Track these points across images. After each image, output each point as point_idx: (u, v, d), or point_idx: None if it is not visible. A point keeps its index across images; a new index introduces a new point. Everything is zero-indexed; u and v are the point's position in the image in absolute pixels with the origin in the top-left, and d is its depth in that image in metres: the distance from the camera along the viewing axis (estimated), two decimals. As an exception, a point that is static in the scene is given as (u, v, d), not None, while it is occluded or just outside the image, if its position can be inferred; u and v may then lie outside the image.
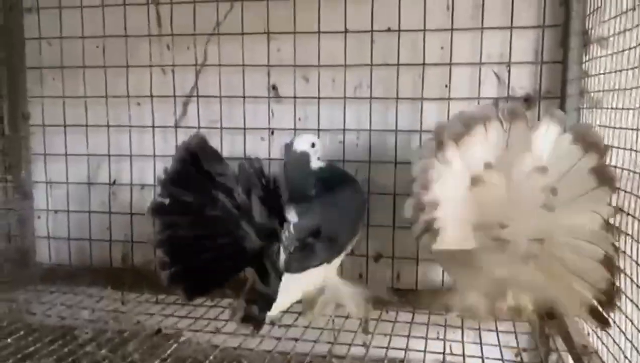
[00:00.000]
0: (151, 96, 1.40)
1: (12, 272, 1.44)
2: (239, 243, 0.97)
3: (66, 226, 1.51)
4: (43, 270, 1.49)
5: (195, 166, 1.01)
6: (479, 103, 1.25)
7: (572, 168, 0.89)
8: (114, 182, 1.48)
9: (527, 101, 1.25)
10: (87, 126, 1.46)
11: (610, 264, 0.84)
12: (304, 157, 1.12)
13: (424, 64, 1.26)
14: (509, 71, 1.24)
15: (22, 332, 1.09)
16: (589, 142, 0.88)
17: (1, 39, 1.45)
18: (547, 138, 0.92)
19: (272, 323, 1.11)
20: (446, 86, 1.27)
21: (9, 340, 1.05)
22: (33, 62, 1.48)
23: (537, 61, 1.23)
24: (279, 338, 1.04)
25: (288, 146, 1.12)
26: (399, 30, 1.26)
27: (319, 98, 1.32)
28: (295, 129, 1.35)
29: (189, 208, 1.01)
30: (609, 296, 0.85)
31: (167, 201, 1.03)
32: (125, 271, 1.46)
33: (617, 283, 0.85)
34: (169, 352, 1.06)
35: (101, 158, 1.48)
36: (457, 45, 1.24)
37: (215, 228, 1.00)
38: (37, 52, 1.47)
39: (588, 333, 1.06)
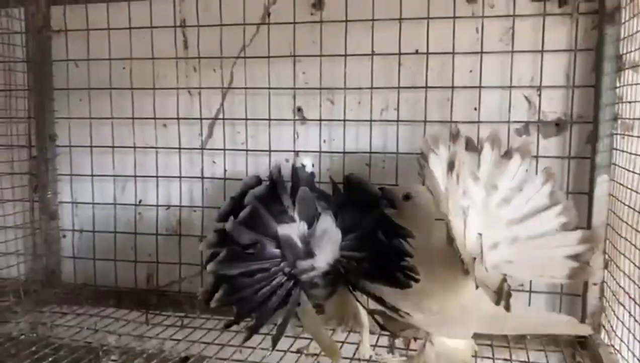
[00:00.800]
0: (177, 118, 1.41)
1: (38, 292, 1.45)
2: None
3: (91, 246, 1.51)
4: (68, 289, 1.49)
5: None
6: (509, 127, 1.24)
7: None
8: (140, 202, 1.48)
9: (558, 125, 1.22)
10: (113, 147, 1.46)
11: None
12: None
13: (452, 87, 1.24)
14: (540, 95, 1.22)
15: (44, 351, 1.09)
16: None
17: (29, 61, 1.47)
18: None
19: (300, 352, 1.10)
20: (475, 109, 1.25)
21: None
22: (60, 84, 1.49)
23: (569, 85, 1.20)
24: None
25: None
26: (427, 53, 1.25)
27: (344, 120, 1.31)
28: (320, 152, 1.34)
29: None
30: None
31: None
32: (150, 292, 1.46)
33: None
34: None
35: (127, 179, 1.48)
36: (486, 68, 1.23)
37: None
38: (65, 73, 1.48)
39: (624, 366, 1.03)
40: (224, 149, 1.39)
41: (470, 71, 1.25)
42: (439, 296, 0.96)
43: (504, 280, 0.83)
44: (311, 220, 0.94)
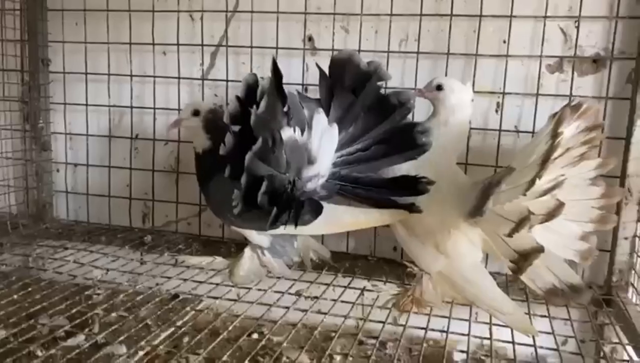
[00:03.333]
0: (177, 45, 1.30)
1: (27, 226, 1.37)
2: None
3: (85, 180, 1.43)
4: (60, 225, 1.41)
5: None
6: (541, 62, 1.11)
7: None
8: (137, 136, 1.39)
9: (597, 62, 1.10)
10: (109, 74, 1.36)
11: None
12: None
13: (480, 15, 1.12)
14: (578, 27, 1.09)
15: (32, 288, 1.02)
16: None
17: (21, -22, 1.36)
18: None
19: (299, 294, 1.01)
20: (504, 41, 1.13)
21: (15, 296, 0.97)
22: (54, 4, 1.38)
23: (612, 15, 1.08)
24: (305, 311, 0.94)
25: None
26: (454, -23, 1.12)
27: (359, 51, 1.19)
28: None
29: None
30: None
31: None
32: (145, 231, 1.38)
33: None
34: (185, 319, 0.97)
35: (123, 110, 1.38)
36: (519, -6, 1.10)
37: None
38: (59, -7, 1.37)
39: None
40: (227, 80, 1.29)
41: (501, -2, 1.12)
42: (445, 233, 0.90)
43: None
44: (303, 125, 0.86)
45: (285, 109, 0.84)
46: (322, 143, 0.87)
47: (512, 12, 1.11)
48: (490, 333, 0.89)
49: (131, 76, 1.35)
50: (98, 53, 1.37)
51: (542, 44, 1.11)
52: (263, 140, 0.82)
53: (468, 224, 0.89)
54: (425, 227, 0.92)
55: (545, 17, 1.10)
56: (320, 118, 0.87)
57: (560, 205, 0.76)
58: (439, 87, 0.96)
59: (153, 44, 1.32)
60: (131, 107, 1.36)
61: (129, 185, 1.40)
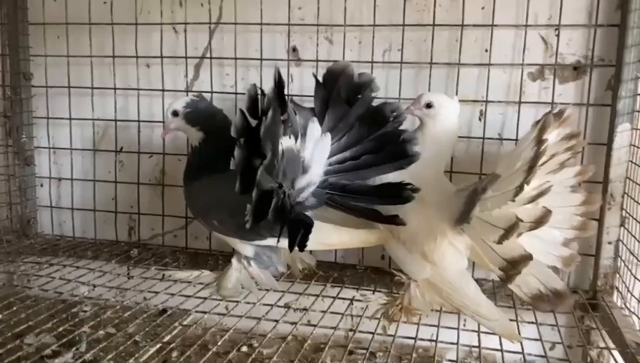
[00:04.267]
0: (161, 57, 1.30)
1: (12, 243, 1.35)
2: None
3: (70, 195, 1.42)
4: (44, 241, 1.40)
5: None
6: (522, 70, 1.13)
7: None
8: (121, 149, 1.38)
9: (577, 69, 1.12)
10: (92, 88, 1.35)
11: None
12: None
13: (462, 25, 1.13)
14: (558, 35, 1.11)
15: (17, 307, 1.01)
16: None
17: (2, -8, 1.35)
18: None
19: (288, 306, 1.01)
20: (486, 50, 1.14)
21: (0, 315, 0.96)
22: (36, 18, 1.37)
23: (591, 23, 1.09)
24: (294, 323, 0.94)
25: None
26: (435, -13, 1.14)
27: (343, 62, 1.20)
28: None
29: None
30: None
31: None
32: (131, 244, 1.37)
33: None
34: (174, 333, 0.97)
35: (108, 124, 1.38)
36: (500, 4, 1.12)
37: None
38: (40, 6, 1.36)
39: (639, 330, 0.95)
40: (212, 92, 1.28)
41: (482, 8, 1.14)
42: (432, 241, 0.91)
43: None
44: (297, 133, 0.87)
45: (283, 117, 0.84)
46: (315, 152, 0.88)
47: (493, 21, 1.12)
48: (479, 341, 0.90)
49: (115, 89, 1.34)
50: (81, 66, 1.36)
51: (524, 53, 1.12)
52: (272, 153, 0.82)
53: (455, 231, 0.90)
54: (412, 235, 0.93)
55: (526, 25, 1.11)
56: (314, 127, 0.88)
57: (547, 212, 0.78)
58: (429, 106, 0.97)
59: (136, 57, 1.31)
60: (115, 120, 1.36)
61: (114, 198, 1.39)
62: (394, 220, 0.87)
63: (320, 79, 0.89)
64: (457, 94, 1.15)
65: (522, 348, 0.87)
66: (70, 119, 1.39)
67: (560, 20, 1.10)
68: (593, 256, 1.11)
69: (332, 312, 0.98)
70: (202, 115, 1.04)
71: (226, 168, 0.82)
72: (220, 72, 1.29)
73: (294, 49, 1.25)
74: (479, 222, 0.83)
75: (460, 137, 1.16)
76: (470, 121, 1.18)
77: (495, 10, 1.12)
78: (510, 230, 0.78)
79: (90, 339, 1.01)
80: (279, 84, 0.85)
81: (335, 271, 1.20)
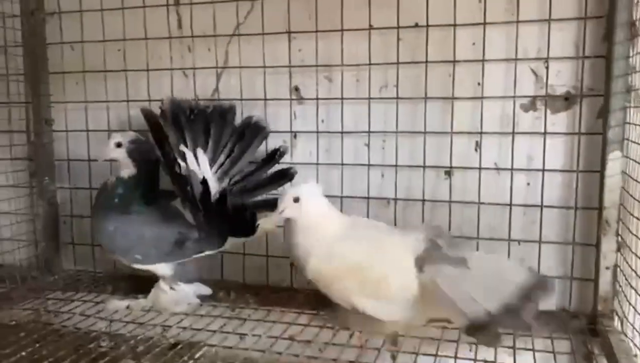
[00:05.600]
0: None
1: (36, 279, 1.43)
2: None
3: (90, 232, 1.49)
4: (67, 276, 1.48)
5: None
6: (514, 102, 1.17)
7: None
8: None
9: (568, 99, 1.15)
10: (109, 131, 1.43)
11: None
12: None
13: (454, 61, 1.18)
14: (547, 67, 1.15)
15: (42, 342, 1.08)
16: None
17: (23, 44, 1.45)
18: None
19: (292, 338, 1.06)
20: (479, 84, 1.18)
21: (24, 352, 1.03)
22: (55, 68, 1.46)
23: (578, 55, 1.13)
24: (297, 355, 0.99)
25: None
26: (427, 26, 1.18)
27: (342, 99, 1.26)
28: (318, 132, 1.29)
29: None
30: None
31: None
32: (147, 278, 1.43)
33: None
34: None
35: (124, 163, 1.45)
36: (490, 40, 1.16)
37: None
38: (59, 56, 1.45)
39: (635, 355, 0.96)
40: (220, 131, 1.35)
41: (473, 44, 1.18)
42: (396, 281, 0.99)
43: None
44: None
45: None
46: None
47: (484, 56, 1.17)
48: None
49: (131, 131, 1.42)
50: (98, 111, 1.44)
51: (515, 85, 1.16)
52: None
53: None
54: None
55: (516, 59, 1.15)
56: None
57: None
58: (296, 200, 1.03)
59: (149, 101, 1.39)
60: (131, 160, 1.43)
61: (132, 234, 1.46)
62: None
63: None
64: (452, 126, 1.20)
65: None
66: (89, 161, 1.46)
67: (548, 53, 1.13)
68: (592, 280, 1.14)
69: (334, 344, 1.02)
70: (141, 154, 1.22)
71: (148, 204, 1.20)
72: (228, 112, 1.36)
73: (296, 88, 1.31)
74: None
75: (457, 168, 1.21)
76: (467, 152, 1.22)
77: (485, 45, 1.16)
78: None
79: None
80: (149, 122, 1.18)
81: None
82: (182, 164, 1.15)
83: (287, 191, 1.07)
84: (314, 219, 1.04)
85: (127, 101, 1.41)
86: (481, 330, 0.90)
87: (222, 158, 1.24)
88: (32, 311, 1.29)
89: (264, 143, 1.30)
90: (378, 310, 1.01)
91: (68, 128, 1.48)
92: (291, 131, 1.32)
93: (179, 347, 1.09)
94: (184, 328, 1.12)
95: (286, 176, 1.24)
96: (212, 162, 1.23)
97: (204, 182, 1.14)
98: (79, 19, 1.42)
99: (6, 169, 1.52)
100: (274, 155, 1.25)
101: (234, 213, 1.15)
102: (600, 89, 1.11)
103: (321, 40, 1.25)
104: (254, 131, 1.27)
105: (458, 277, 0.94)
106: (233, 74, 1.34)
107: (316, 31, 1.25)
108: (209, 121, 1.23)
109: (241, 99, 1.33)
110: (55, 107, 1.48)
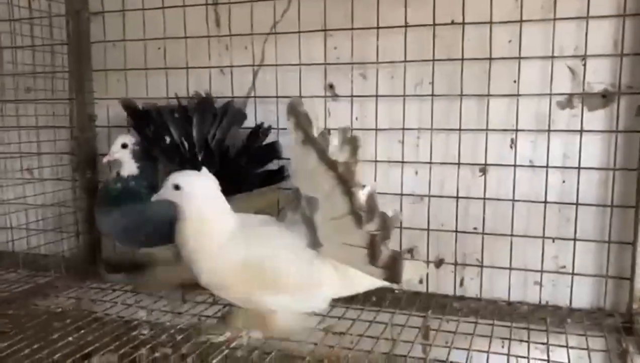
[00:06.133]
0: (210, 97, 1.40)
1: (79, 269, 1.49)
2: None
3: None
4: (108, 266, 1.53)
5: None
6: (551, 100, 1.17)
7: None
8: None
9: (605, 97, 1.14)
10: (149, 126, 1.48)
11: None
12: None
13: (490, 58, 1.18)
14: (585, 65, 1.14)
15: (85, 329, 1.12)
16: None
17: (68, 43, 1.50)
18: None
19: (327, 330, 1.08)
20: (515, 81, 1.18)
21: (70, 338, 1.08)
22: (98, 65, 1.52)
23: (617, 53, 1.12)
24: (332, 347, 1.01)
25: None
26: (464, 23, 1.19)
27: (377, 96, 1.27)
28: (352, 129, 1.30)
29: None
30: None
31: None
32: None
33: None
34: (223, 354, 1.05)
35: (163, 159, 1.50)
36: (526, 37, 1.16)
37: None
38: (102, 54, 1.50)
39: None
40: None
41: (510, 41, 1.18)
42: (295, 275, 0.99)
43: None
44: None
45: None
46: None
47: (520, 53, 1.16)
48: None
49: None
50: (139, 107, 1.49)
51: (551, 82, 1.16)
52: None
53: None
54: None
55: (553, 57, 1.15)
56: None
57: None
58: (177, 187, 0.99)
59: (188, 98, 1.42)
60: (170, 155, 1.47)
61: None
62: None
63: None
64: (487, 123, 1.20)
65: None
66: (130, 155, 1.51)
67: (586, 50, 1.13)
68: (629, 279, 1.13)
69: (367, 336, 1.04)
70: (144, 155, 1.32)
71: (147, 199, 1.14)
72: (264, 109, 1.39)
73: (331, 86, 1.33)
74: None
75: (492, 165, 1.22)
76: (501, 149, 1.22)
77: (521, 42, 1.16)
78: None
79: (148, 359, 1.11)
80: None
81: (374, 294, 1.26)
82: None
83: (170, 177, 1.01)
84: (201, 214, 0.98)
85: (167, 98, 1.45)
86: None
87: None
88: (76, 300, 1.35)
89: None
90: (280, 304, 1.00)
91: (110, 124, 1.53)
92: (325, 128, 1.33)
93: (218, 336, 1.12)
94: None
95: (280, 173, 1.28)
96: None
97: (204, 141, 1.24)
98: (121, 18, 1.46)
99: (51, 163, 1.59)
100: (257, 132, 1.29)
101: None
102: (639, 86, 1.10)
103: (357, 38, 1.27)
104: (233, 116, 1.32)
105: None
106: (269, 72, 1.37)
107: (352, 29, 1.26)
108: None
109: (276, 97, 1.36)
110: (98, 104, 1.53)
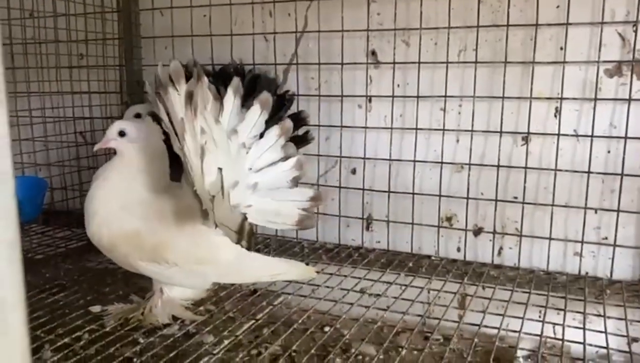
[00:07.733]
0: (253, 64, 1.42)
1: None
2: None
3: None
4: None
5: None
6: (598, 67, 1.14)
7: None
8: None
9: (657, 64, 1.11)
10: (194, 92, 1.51)
11: None
12: None
13: (536, 24, 1.16)
14: (636, 31, 1.10)
15: (131, 281, 1.19)
16: None
17: (118, 11, 1.55)
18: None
19: (362, 291, 1.11)
20: (561, 48, 1.16)
21: (120, 292, 1.14)
22: (147, 32, 1.56)
23: (671, 18, 1.08)
24: (367, 307, 1.04)
25: None
26: (510, -12, 1.17)
27: (419, 63, 1.27)
28: (393, 96, 1.31)
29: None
30: None
31: None
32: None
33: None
34: (264, 311, 1.09)
35: (207, 124, 1.54)
36: (575, 2, 1.12)
37: None
38: (150, 22, 1.54)
39: None
40: (297, 95, 1.39)
41: (557, 7, 1.15)
42: (176, 247, 0.96)
43: (245, 219, 0.91)
44: None
45: None
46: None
47: (568, 19, 1.14)
48: (563, 333, 0.94)
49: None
50: (185, 73, 1.53)
51: (600, 49, 1.13)
52: None
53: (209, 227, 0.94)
54: (183, 253, 0.97)
55: (602, 23, 1.12)
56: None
57: None
58: (122, 134, 0.99)
59: (232, 65, 1.45)
60: (214, 121, 1.51)
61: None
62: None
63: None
64: (531, 91, 1.18)
65: (585, 339, 0.91)
66: (176, 120, 1.56)
67: (638, 16, 1.09)
68: (673, 252, 1.11)
69: (403, 299, 1.07)
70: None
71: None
72: (306, 75, 1.40)
73: (373, 53, 1.33)
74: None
75: (535, 133, 1.20)
76: (545, 118, 1.20)
77: (570, 8, 1.13)
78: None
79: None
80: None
81: (411, 261, 1.28)
82: None
83: (115, 122, 1.00)
84: (134, 165, 0.98)
85: (212, 64, 1.48)
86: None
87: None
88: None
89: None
90: (161, 274, 1.00)
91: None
92: (366, 96, 1.35)
93: (257, 294, 1.17)
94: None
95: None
96: None
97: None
98: (168, -14, 1.50)
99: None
100: (283, 99, 1.15)
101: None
102: (692, 54, 1.06)
103: (400, 4, 1.26)
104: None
105: None
106: (311, 39, 1.38)
107: (396, -6, 1.26)
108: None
109: (318, 63, 1.37)
110: (147, 70, 1.58)
